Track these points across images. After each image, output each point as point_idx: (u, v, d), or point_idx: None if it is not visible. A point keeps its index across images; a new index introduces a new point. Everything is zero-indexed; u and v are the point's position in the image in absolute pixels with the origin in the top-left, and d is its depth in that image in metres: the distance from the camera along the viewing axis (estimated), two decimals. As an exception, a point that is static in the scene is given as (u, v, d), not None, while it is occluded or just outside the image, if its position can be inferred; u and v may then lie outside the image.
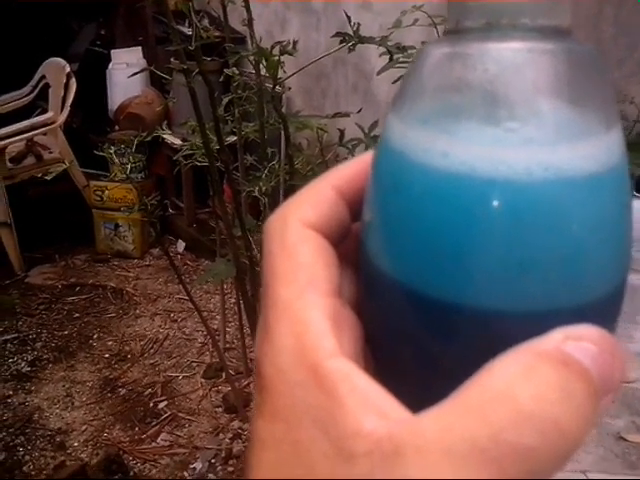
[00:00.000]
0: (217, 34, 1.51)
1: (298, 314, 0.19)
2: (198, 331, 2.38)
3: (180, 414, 1.99)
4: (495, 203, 0.18)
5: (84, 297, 2.66)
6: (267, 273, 0.21)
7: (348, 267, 0.23)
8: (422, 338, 0.20)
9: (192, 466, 1.79)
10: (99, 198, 2.92)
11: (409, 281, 0.20)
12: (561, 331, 0.17)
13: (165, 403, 2.04)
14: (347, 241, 0.23)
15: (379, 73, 1.13)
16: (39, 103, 3.09)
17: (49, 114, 2.89)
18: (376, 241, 0.21)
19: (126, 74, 2.63)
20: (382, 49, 1.12)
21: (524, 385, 0.16)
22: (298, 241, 0.21)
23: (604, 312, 0.20)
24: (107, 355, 2.29)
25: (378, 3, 2.08)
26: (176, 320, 2.47)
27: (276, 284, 0.20)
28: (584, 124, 0.19)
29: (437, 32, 1.11)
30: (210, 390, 2.08)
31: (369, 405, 0.17)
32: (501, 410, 0.16)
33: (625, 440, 0.83)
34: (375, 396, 0.18)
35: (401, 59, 1.10)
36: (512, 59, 0.19)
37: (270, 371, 0.19)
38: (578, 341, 0.17)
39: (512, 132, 0.18)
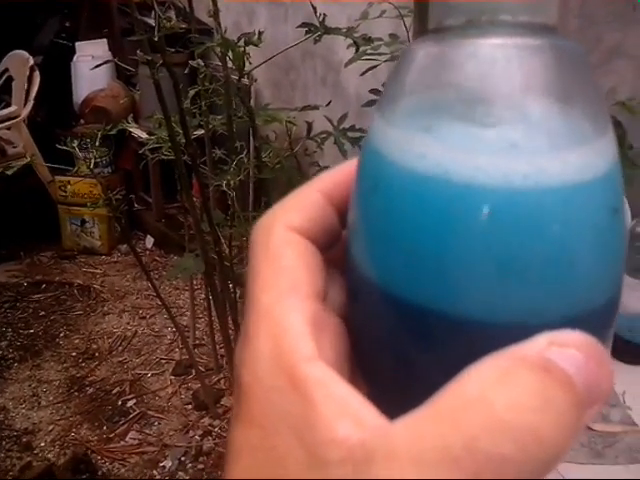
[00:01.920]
0: (183, 25, 1.48)
1: (277, 318, 0.19)
2: (167, 328, 2.36)
3: (149, 412, 1.97)
4: (471, 209, 0.17)
5: (50, 295, 2.62)
6: (250, 278, 0.21)
7: (337, 273, 0.23)
8: (402, 343, 0.20)
9: (162, 464, 1.77)
10: (64, 193, 2.87)
11: (388, 286, 0.19)
12: (545, 336, 0.16)
13: (134, 401, 2.02)
14: (337, 247, 0.23)
15: (347, 65, 1.12)
16: (2, 97, 3.03)
17: (12, 108, 2.83)
18: (358, 244, 0.21)
19: (91, 67, 2.59)
20: (350, 41, 1.11)
21: (499, 391, 0.15)
22: (281, 245, 0.21)
23: (594, 324, 0.18)
24: (74, 353, 2.26)
25: (346, -5, 2.07)
26: (145, 317, 2.45)
27: (257, 288, 0.20)
28: (569, 127, 0.18)
29: (404, 24, 1.11)
30: (180, 387, 2.06)
31: (344, 411, 0.17)
32: (475, 417, 0.15)
33: (591, 429, 0.84)
34: (351, 402, 0.17)
35: (368, 51, 1.09)
36: (490, 56, 0.18)
37: (247, 376, 0.19)
38: (563, 347, 0.16)
39: (492, 134, 0.18)
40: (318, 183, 0.23)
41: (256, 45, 1.04)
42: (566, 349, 0.16)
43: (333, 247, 0.23)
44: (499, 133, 0.18)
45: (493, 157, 0.17)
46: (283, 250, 0.21)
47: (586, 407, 0.16)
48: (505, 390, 0.15)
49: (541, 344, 0.16)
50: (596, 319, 0.19)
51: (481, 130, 0.18)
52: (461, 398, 0.16)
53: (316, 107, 1.33)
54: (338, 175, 0.23)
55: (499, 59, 0.18)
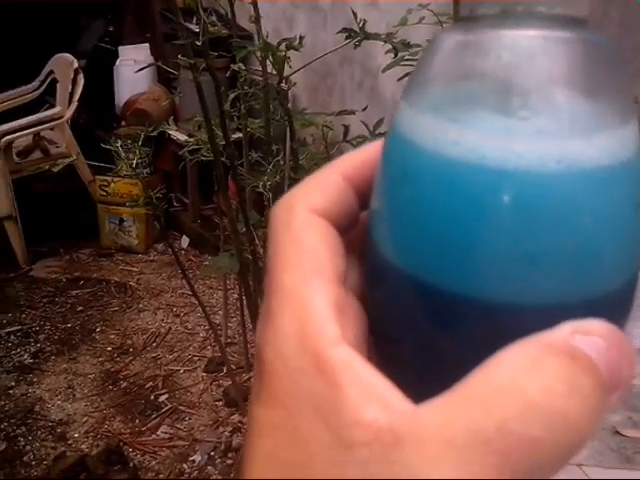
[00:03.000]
0: (224, 31, 1.52)
1: (302, 300, 0.19)
2: (200, 325, 2.39)
3: (180, 407, 2.00)
4: (505, 194, 0.18)
5: (88, 291, 2.67)
6: (272, 259, 0.20)
7: (354, 256, 0.23)
8: (426, 329, 0.20)
9: (191, 458, 1.80)
10: (104, 193, 2.93)
11: (415, 271, 0.19)
12: (569, 325, 0.17)
13: (166, 396, 2.05)
14: (354, 230, 0.23)
15: (384, 70, 1.14)
16: (47, 98, 3.10)
17: (56, 109, 2.90)
18: (383, 230, 0.21)
19: (133, 70, 2.64)
20: (387, 47, 1.13)
21: (531, 377, 0.16)
22: (304, 227, 0.21)
23: (614, 307, 0.19)
24: (109, 348, 2.30)
25: (385, 2, 2.09)
26: (179, 315, 2.48)
27: (280, 270, 0.20)
28: (599, 116, 0.19)
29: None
30: (211, 384, 2.09)
31: (370, 395, 0.17)
32: (506, 401, 0.16)
33: (621, 435, 0.84)
34: (377, 386, 0.17)
35: (407, 57, 1.11)
36: (526, 47, 0.18)
37: (271, 356, 0.19)
38: (587, 335, 0.17)
39: (525, 122, 0.18)
40: (339, 165, 0.23)
41: (297, 50, 1.07)
42: (590, 337, 0.17)
43: (351, 229, 0.23)
44: (531, 121, 0.18)
45: (526, 142, 0.18)
46: (306, 232, 0.21)
47: (609, 392, 0.17)
48: (536, 376, 0.16)
49: (565, 332, 0.17)
50: (615, 302, 0.19)
51: (513, 119, 0.18)
52: (492, 383, 0.16)
53: (352, 112, 1.35)
54: (359, 158, 0.23)
55: (535, 51, 0.18)
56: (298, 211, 0.21)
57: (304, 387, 0.17)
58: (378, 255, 0.21)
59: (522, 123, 0.18)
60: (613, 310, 0.19)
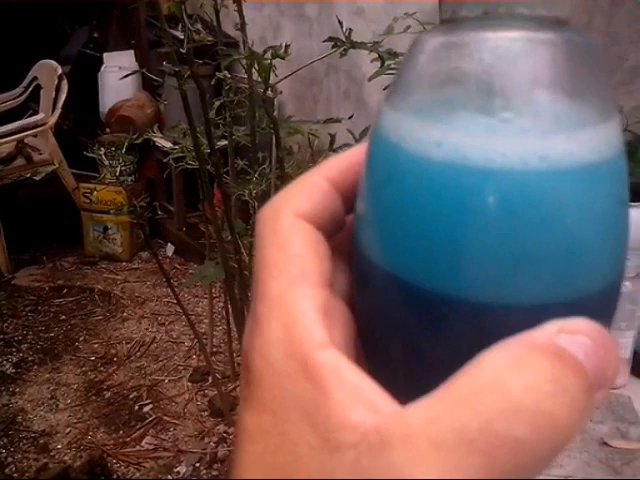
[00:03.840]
0: (210, 38, 1.51)
1: (288, 305, 0.19)
2: (185, 335, 2.38)
3: (165, 417, 1.98)
4: (488, 193, 0.18)
5: (71, 299, 2.65)
6: (258, 264, 0.21)
7: (341, 259, 0.23)
8: (412, 330, 0.20)
9: (176, 470, 1.78)
10: (88, 200, 2.91)
11: (401, 272, 0.19)
12: (555, 323, 0.17)
13: (150, 406, 2.03)
14: (340, 233, 0.23)
15: (370, 79, 1.14)
16: (30, 105, 3.09)
17: (40, 116, 2.88)
18: (368, 232, 0.21)
19: (118, 77, 2.62)
20: (373, 56, 1.13)
21: (515, 376, 0.16)
22: (290, 232, 0.21)
23: (599, 308, 0.19)
24: (93, 358, 2.29)
25: (371, 10, 2.10)
26: (163, 323, 2.47)
27: (266, 275, 0.20)
28: (581, 115, 0.19)
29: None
30: (196, 394, 2.08)
31: (357, 397, 0.17)
32: (491, 401, 0.16)
33: (609, 446, 0.84)
34: (364, 388, 0.17)
35: (392, 65, 1.11)
36: (509, 48, 0.19)
37: (258, 362, 0.19)
38: (572, 334, 0.17)
39: (507, 122, 0.18)
40: (323, 169, 0.23)
41: (282, 58, 1.06)
42: (575, 336, 0.17)
43: (337, 233, 0.23)
44: (514, 121, 0.18)
45: (508, 141, 0.18)
46: (291, 237, 0.21)
47: (594, 391, 0.16)
48: (520, 375, 0.16)
49: (551, 331, 0.17)
50: (601, 302, 0.19)
51: (496, 118, 0.18)
52: (477, 382, 0.16)
53: (338, 120, 1.35)
54: (343, 161, 0.23)
55: (517, 52, 0.18)
56: (284, 216, 0.21)
57: (291, 392, 0.18)
58: (364, 258, 0.21)
59: (504, 123, 0.18)
60: (599, 310, 0.19)
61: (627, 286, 0.82)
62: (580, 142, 0.18)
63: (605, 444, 0.83)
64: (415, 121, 0.19)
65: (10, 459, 1.82)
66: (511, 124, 0.18)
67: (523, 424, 0.15)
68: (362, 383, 0.18)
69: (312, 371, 0.18)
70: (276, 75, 1.17)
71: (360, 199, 0.22)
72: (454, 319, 0.19)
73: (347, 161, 0.23)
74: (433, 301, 0.19)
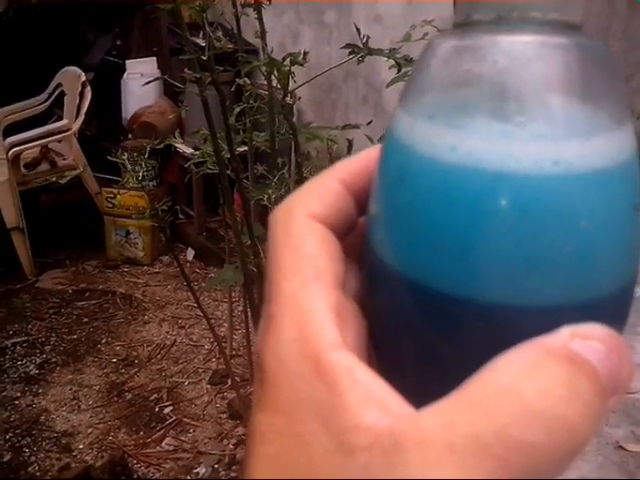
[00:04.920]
0: (230, 45, 1.54)
1: (301, 305, 0.19)
2: (205, 338, 2.39)
3: (185, 419, 1.99)
4: (503, 197, 0.18)
5: (93, 302, 2.68)
6: (271, 265, 0.21)
7: (353, 261, 0.23)
8: (426, 333, 0.20)
9: (195, 471, 1.79)
10: (111, 205, 2.94)
11: (414, 274, 0.19)
12: (569, 329, 0.17)
13: (170, 408, 2.05)
14: (353, 235, 0.23)
15: (388, 85, 1.15)
16: (54, 111, 3.13)
17: (64, 121, 2.92)
18: (381, 234, 0.21)
19: (140, 84, 2.67)
20: (391, 62, 1.14)
21: (530, 381, 0.16)
22: (303, 233, 0.21)
23: (612, 311, 0.19)
24: (114, 360, 2.31)
25: (389, 17, 2.11)
26: (184, 327, 2.49)
27: (280, 275, 0.20)
28: (595, 119, 0.19)
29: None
30: (215, 396, 2.09)
31: (371, 399, 0.17)
32: (506, 406, 0.16)
33: (624, 449, 0.84)
34: (377, 390, 0.17)
35: (410, 72, 1.11)
36: (522, 52, 0.19)
37: (271, 362, 0.19)
38: (586, 340, 0.17)
39: (521, 126, 0.18)
40: (336, 171, 0.23)
41: (301, 65, 1.08)
42: (589, 341, 0.17)
43: (349, 235, 0.23)
44: (528, 125, 0.18)
45: (523, 145, 0.18)
46: (305, 237, 0.21)
47: (608, 396, 0.17)
48: (535, 380, 0.16)
49: (565, 336, 0.17)
50: (614, 305, 0.19)
51: (510, 122, 0.18)
52: (492, 387, 0.16)
53: (357, 126, 1.36)
54: (356, 163, 0.23)
55: (530, 56, 0.19)
56: (297, 217, 0.21)
57: (304, 392, 0.18)
58: (376, 259, 0.21)
59: (518, 127, 0.18)
60: (612, 313, 0.19)
61: (642, 290, 0.83)
62: (594, 147, 0.18)
63: (620, 447, 0.84)
64: (429, 125, 0.19)
65: (33, 458, 1.85)
66: (525, 128, 0.18)
67: (538, 429, 0.15)
68: (375, 384, 0.18)
69: (325, 371, 0.17)
70: (295, 81, 1.19)
71: (373, 200, 0.22)
72: (466, 321, 0.19)
73: (360, 163, 0.23)
74: (446, 303, 0.19)
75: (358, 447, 0.16)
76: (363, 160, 0.23)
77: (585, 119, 0.19)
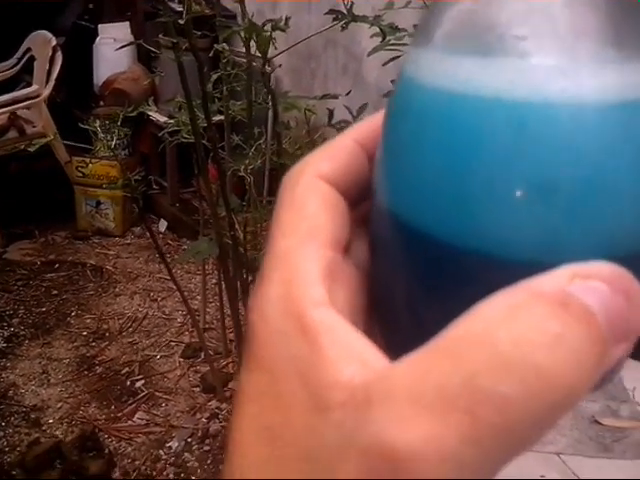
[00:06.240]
0: (208, 10, 1.49)
1: (292, 264, 0.19)
2: (178, 311, 2.37)
3: (157, 393, 1.98)
4: (504, 123, 0.16)
5: (63, 274, 2.63)
6: (274, 224, 0.20)
7: (365, 229, 0.22)
8: (421, 282, 0.19)
9: (168, 445, 1.78)
10: (81, 174, 2.88)
11: (409, 216, 0.18)
12: (569, 268, 0.15)
13: (142, 382, 2.03)
14: (368, 202, 0.22)
15: (370, 54, 1.12)
16: (23, 76, 3.05)
17: (33, 87, 2.85)
18: (382, 177, 0.20)
19: (113, 49, 2.60)
20: (372, 31, 1.11)
21: (507, 327, 0.14)
22: (306, 192, 0.21)
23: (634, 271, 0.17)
24: (85, 333, 2.28)
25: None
26: (156, 299, 2.46)
27: (279, 234, 0.20)
28: (610, 50, 0.17)
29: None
30: (188, 370, 2.08)
31: (349, 355, 0.16)
32: (477, 354, 0.14)
33: (600, 424, 0.85)
34: (357, 346, 0.17)
35: (392, 41, 1.09)
36: None
37: (257, 320, 0.18)
38: (587, 279, 0.15)
39: (529, 59, 0.17)
40: (354, 132, 0.22)
41: (283, 30, 1.05)
42: (590, 281, 0.15)
43: (364, 201, 0.22)
44: (537, 59, 0.17)
45: (528, 72, 0.17)
46: (307, 197, 0.20)
47: (609, 345, 0.15)
48: (510, 326, 0.14)
49: (563, 276, 0.15)
50: (631, 265, 0.16)
51: (518, 57, 0.17)
52: (463, 335, 0.15)
53: (335, 96, 1.33)
54: (374, 123, 0.22)
55: None
56: (304, 177, 0.21)
57: (287, 350, 0.17)
58: (377, 206, 0.20)
59: (526, 60, 0.17)
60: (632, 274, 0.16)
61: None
62: (607, 80, 0.17)
63: (596, 422, 0.84)
64: (431, 53, 0.19)
65: (1, 433, 1.82)
66: (532, 61, 0.17)
67: (510, 379, 0.14)
68: (355, 340, 0.17)
69: (306, 328, 0.17)
70: (276, 48, 1.16)
71: (379, 145, 0.21)
72: (464, 270, 0.17)
73: (378, 122, 0.22)
74: (441, 248, 0.17)
75: (333, 405, 0.16)
76: (380, 119, 0.22)
77: (601, 56, 0.17)
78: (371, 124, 0.22)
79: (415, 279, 0.19)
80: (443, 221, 0.17)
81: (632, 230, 0.17)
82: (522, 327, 0.14)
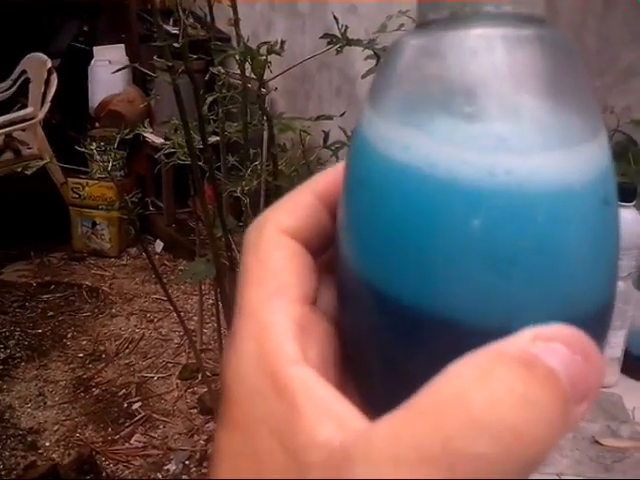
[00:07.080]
0: (203, 33, 1.50)
1: (262, 320, 0.19)
2: (174, 332, 2.37)
3: (154, 415, 1.97)
4: (454, 202, 0.17)
5: (59, 295, 2.63)
6: (241, 279, 0.21)
7: (330, 278, 0.22)
8: (387, 342, 0.19)
9: (166, 467, 1.77)
10: (77, 195, 2.89)
11: (372, 280, 0.19)
12: (531, 331, 0.16)
13: (139, 404, 2.02)
14: (331, 250, 0.22)
15: (364, 76, 1.13)
16: (19, 98, 3.05)
17: (29, 109, 2.86)
18: (345, 240, 0.20)
19: (108, 71, 2.61)
20: (366, 53, 1.12)
21: (478, 389, 0.15)
22: (271, 248, 0.21)
23: (589, 330, 0.17)
24: (81, 355, 2.27)
25: (364, 6, 2.09)
26: (152, 320, 2.46)
27: (246, 290, 0.20)
28: (557, 122, 0.18)
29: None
30: (185, 391, 2.07)
31: (327, 414, 0.17)
32: (452, 415, 0.15)
33: (600, 444, 0.84)
34: (334, 405, 0.17)
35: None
36: (472, 46, 0.18)
37: (231, 377, 0.18)
38: (549, 342, 0.16)
39: (477, 127, 0.17)
40: (311, 185, 0.23)
41: (278, 54, 1.06)
42: (551, 343, 0.16)
43: (327, 250, 0.22)
44: (484, 126, 0.17)
45: (478, 150, 0.17)
46: (272, 252, 0.21)
47: (573, 403, 0.15)
48: (484, 388, 0.15)
49: (525, 339, 0.16)
50: (587, 326, 0.17)
51: (466, 123, 0.17)
52: (439, 397, 0.15)
53: (330, 117, 1.34)
54: (332, 176, 0.22)
55: (481, 49, 0.18)
56: (267, 231, 0.21)
57: (262, 409, 0.17)
58: (341, 264, 0.21)
59: (474, 129, 0.17)
60: (593, 329, 0.17)
61: (619, 285, 0.83)
62: (555, 158, 0.17)
63: (596, 442, 0.84)
64: (386, 123, 0.19)
65: (-3, 456, 1.81)
66: (480, 131, 0.17)
67: (485, 440, 0.14)
68: (332, 400, 0.17)
69: (282, 387, 0.17)
70: (271, 71, 1.17)
71: (339, 206, 0.21)
72: (427, 333, 0.18)
73: (334, 175, 0.22)
74: (402, 312, 0.18)
75: (312, 464, 0.16)
76: (338, 171, 0.22)
77: (545, 120, 0.18)
78: (328, 177, 0.22)
79: (382, 339, 0.19)
80: (407, 286, 0.18)
81: (585, 292, 0.18)
82: (493, 389, 0.15)
